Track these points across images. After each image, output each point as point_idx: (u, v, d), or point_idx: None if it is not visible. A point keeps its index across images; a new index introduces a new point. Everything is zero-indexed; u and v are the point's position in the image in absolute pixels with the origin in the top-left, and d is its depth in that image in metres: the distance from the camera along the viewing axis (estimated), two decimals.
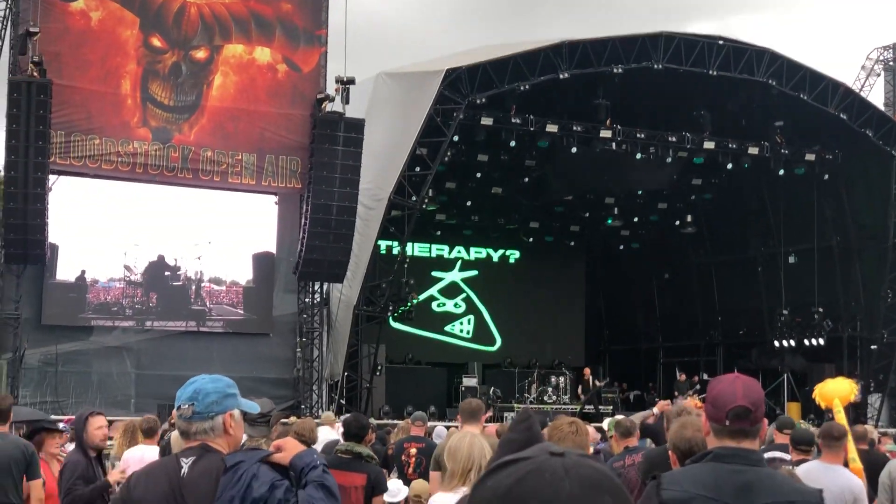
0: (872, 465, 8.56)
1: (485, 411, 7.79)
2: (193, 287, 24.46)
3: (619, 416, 11.32)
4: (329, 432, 11.59)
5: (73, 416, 11.36)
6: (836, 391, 8.20)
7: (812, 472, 7.30)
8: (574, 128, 27.51)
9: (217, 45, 24.24)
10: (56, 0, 22.74)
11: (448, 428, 13.66)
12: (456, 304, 35.98)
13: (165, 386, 21.85)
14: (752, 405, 3.59)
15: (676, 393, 27.96)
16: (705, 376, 29.99)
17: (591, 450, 9.00)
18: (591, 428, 9.81)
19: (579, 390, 29.99)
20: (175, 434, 7.20)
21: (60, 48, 22.59)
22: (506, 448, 3.53)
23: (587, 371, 30.43)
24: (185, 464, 3.82)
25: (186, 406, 3.90)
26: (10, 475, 8.17)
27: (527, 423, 3.71)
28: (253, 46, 24.57)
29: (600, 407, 28.82)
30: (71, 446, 10.00)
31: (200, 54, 24.11)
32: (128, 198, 23.69)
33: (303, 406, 24.50)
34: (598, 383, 29.71)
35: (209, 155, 23.83)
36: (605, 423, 12.58)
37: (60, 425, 11.31)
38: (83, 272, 23.40)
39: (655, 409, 10.66)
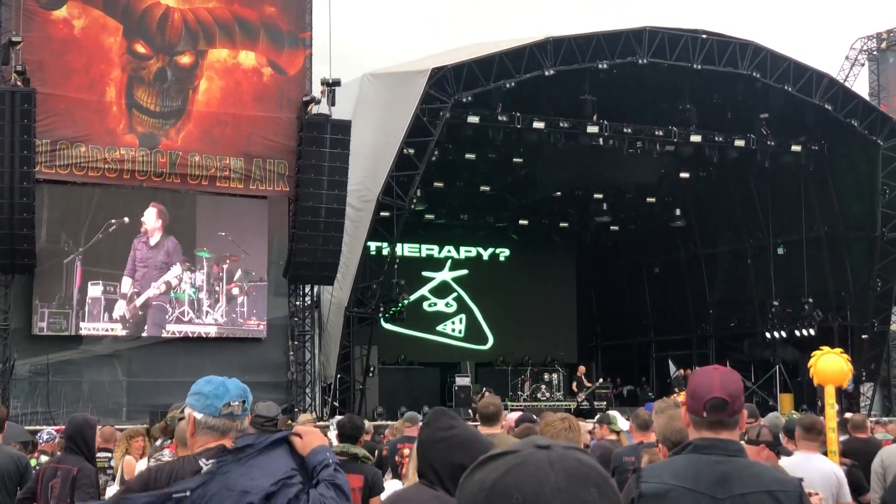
0: (869, 454, 8.59)
1: (502, 413, 7.78)
2: (187, 294, 24.34)
3: (613, 412, 11.34)
4: None
5: (65, 425, 11.30)
6: (832, 374, 8.19)
7: (796, 462, 7.36)
8: (561, 124, 27.54)
9: (201, 49, 24.20)
10: (38, 9, 22.66)
11: None
12: (447, 304, 35.97)
13: (157, 394, 21.87)
14: (728, 396, 3.62)
15: (676, 389, 28.01)
16: (697, 369, 30.02)
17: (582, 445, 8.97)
18: (582, 423, 9.83)
19: (574, 386, 30.07)
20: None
21: (44, 57, 22.52)
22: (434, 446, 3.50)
23: (581, 370, 30.56)
24: (206, 466, 3.79)
25: (237, 403, 3.88)
26: (3, 487, 8.16)
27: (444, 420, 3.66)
28: (237, 50, 24.54)
29: (594, 402, 28.93)
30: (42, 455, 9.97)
31: (185, 59, 24.06)
32: (118, 205, 23.59)
33: (296, 409, 24.47)
34: (587, 384, 29.85)
35: (197, 160, 23.78)
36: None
37: (45, 436, 11.30)
38: (75, 282, 23.25)
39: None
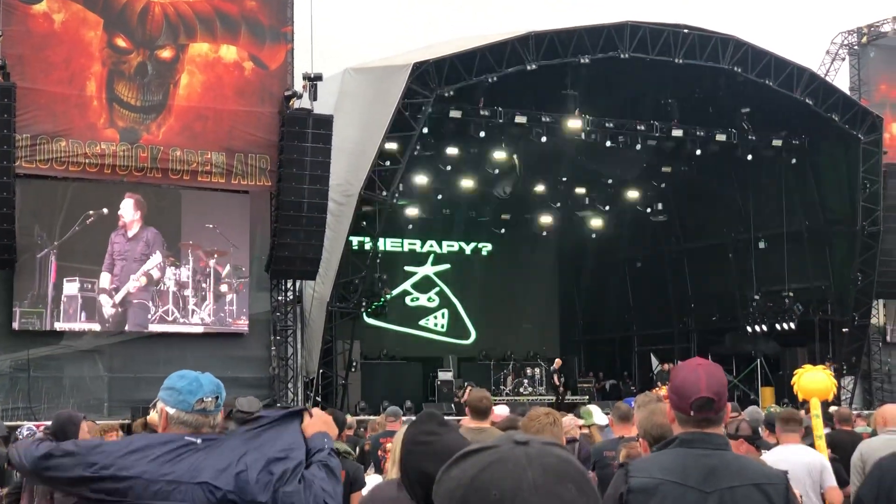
0: (855, 446, 8.64)
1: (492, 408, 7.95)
2: (169, 289, 24.18)
3: (591, 406, 11.34)
4: None
5: (51, 421, 11.15)
6: (816, 390, 8.24)
7: (778, 454, 7.44)
8: (543, 118, 27.56)
9: (182, 43, 24.10)
10: (17, 3, 22.51)
11: None
12: (429, 299, 36.00)
13: (139, 389, 21.77)
14: (715, 395, 3.63)
15: (659, 383, 28.11)
16: (679, 363, 30.12)
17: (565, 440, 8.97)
18: (569, 418, 9.83)
19: (555, 378, 30.14)
20: None
21: (23, 51, 22.39)
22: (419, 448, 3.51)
23: (557, 362, 30.67)
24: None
25: (210, 398, 3.88)
26: None
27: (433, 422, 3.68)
28: (218, 44, 24.44)
29: (574, 397, 29.04)
30: None
31: (166, 54, 23.96)
32: (94, 197, 23.39)
33: (279, 404, 24.42)
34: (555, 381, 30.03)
35: (178, 154, 23.68)
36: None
37: (25, 431, 11.25)
38: (49, 278, 23.04)
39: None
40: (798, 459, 7.44)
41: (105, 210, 23.51)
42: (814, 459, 7.59)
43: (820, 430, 8.11)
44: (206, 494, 3.60)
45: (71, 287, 23.12)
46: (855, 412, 18.67)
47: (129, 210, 23.79)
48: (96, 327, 23.30)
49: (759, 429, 9.49)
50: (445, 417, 3.69)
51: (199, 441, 3.71)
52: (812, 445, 7.98)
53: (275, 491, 3.63)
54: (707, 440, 3.59)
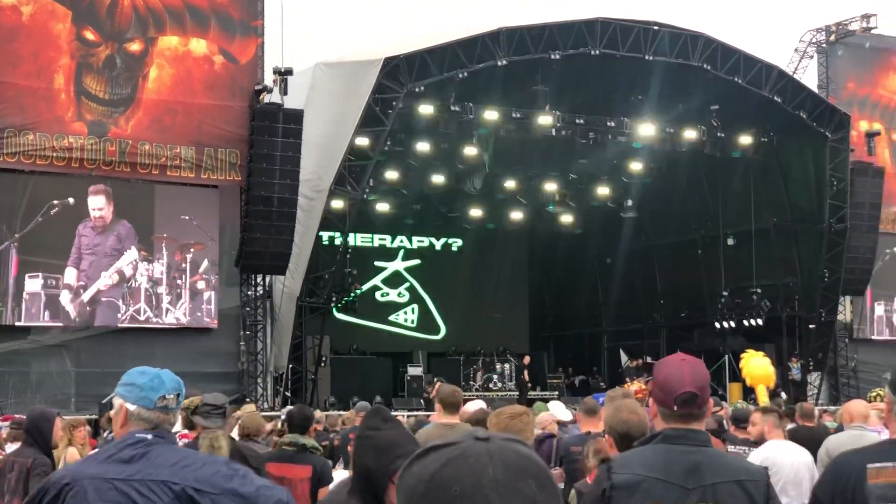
0: (816, 441, 8.73)
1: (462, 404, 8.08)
2: (141, 286, 23.91)
3: (553, 402, 11.38)
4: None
5: (18, 415, 11.18)
6: (761, 376, 8.42)
7: (776, 450, 7.50)
8: (513, 114, 27.59)
9: (151, 37, 23.95)
10: None
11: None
12: (399, 294, 35.97)
13: (106, 384, 21.58)
14: (699, 390, 3.64)
15: (628, 379, 28.22)
16: (648, 359, 30.26)
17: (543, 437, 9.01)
18: (546, 413, 9.87)
19: (525, 375, 30.23)
20: None
21: None
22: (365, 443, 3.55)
23: (526, 359, 30.75)
24: None
25: (172, 396, 3.86)
26: None
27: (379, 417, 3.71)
28: (188, 38, 24.31)
29: (544, 393, 29.13)
30: (11, 446, 9.88)
31: (135, 47, 23.80)
32: (60, 188, 23.10)
33: (248, 399, 24.32)
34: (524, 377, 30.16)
35: (147, 148, 23.53)
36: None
37: None
38: (10, 273, 22.72)
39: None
40: (798, 458, 7.50)
41: (71, 200, 23.11)
42: (811, 458, 7.66)
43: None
44: (163, 490, 3.60)
45: (33, 284, 22.63)
46: (822, 408, 18.86)
47: (98, 202, 23.44)
48: (71, 314, 23.03)
49: (725, 422, 9.57)
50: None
51: (149, 437, 3.70)
52: None
53: (256, 487, 3.64)
54: (690, 437, 3.61)
